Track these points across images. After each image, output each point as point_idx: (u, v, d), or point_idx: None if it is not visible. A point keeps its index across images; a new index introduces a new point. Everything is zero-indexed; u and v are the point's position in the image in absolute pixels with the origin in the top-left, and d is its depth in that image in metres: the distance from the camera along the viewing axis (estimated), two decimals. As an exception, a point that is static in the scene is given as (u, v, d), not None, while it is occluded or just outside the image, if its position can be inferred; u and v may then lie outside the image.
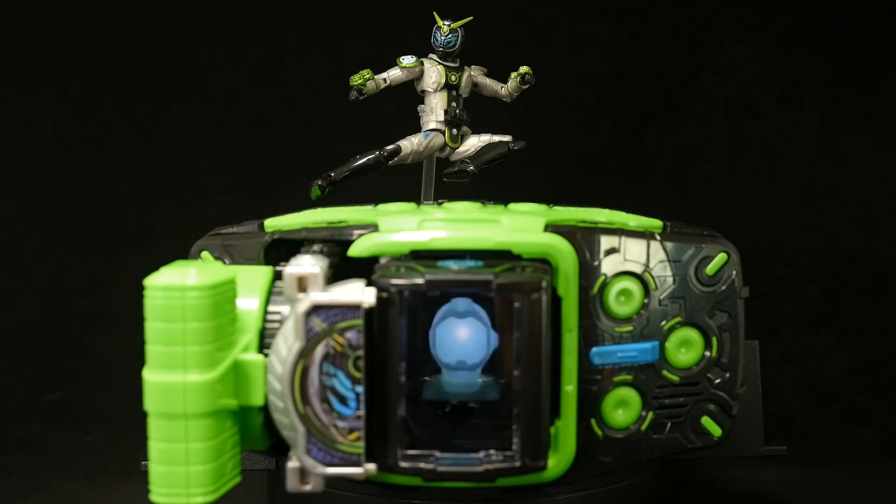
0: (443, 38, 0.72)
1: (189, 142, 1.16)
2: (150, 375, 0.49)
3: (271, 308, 0.52)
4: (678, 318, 0.57)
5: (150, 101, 1.15)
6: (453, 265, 0.52)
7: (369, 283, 0.51)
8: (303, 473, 0.51)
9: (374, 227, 0.55)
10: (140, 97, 1.15)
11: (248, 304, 0.52)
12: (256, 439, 0.52)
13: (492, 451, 0.52)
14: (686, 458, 0.60)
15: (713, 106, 1.17)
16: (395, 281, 0.50)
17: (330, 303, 0.50)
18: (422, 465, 0.51)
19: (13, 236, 1.14)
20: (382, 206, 0.59)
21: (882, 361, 1.01)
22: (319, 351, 0.50)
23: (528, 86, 0.74)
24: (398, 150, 0.71)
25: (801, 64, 1.16)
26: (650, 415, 0.57)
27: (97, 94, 1.15)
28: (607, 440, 0.56)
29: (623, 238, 0.56)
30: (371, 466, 0.51)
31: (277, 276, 0.54)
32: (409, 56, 0.72)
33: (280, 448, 0.52)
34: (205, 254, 0.58)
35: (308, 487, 0.51)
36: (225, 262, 0.57)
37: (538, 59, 0.76)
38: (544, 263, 0.53)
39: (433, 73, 0.72)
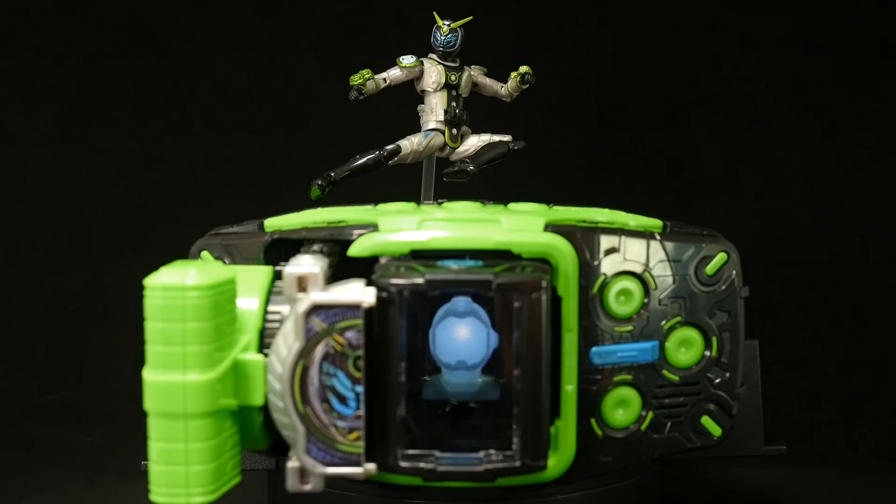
0: (443, 37, 0.72)
1: (189, 142, 1.16)
2: (149, 375, 0.49)
3: (271, 308, 0.52)
4: (678, 318, 0.57)
5: (150, 102, 1.15)
6: (453, 265, 0.52)
7: (369, 283, 0.51)
8: (303, 473, 0.51)
9: (374, 227, 0.55)
10: (140, 97, 1.15)
11: (248, 303, 0.52)
12: (256, 439, 0.52)
13: (492, 451, 0.52)
14: (686, 458, 0.60)
15: (713, 106, 1.17)
16: (395, 281, 0.50)
17: (330, 303, 0.50)
18: (422, 464, 0.51)
19: (13, 236, 1.14)
20: (382, 206, 0.59)
21: (882, 361, 1.01)
22: (319, 351, 0.50)
23: (527, 85, 0.74)
24: (398, 150, 0.71)
25: (802, 65, 1.16)
26: (650, 414, 0.57)
27: (97, 94, 1.15)
28: (607, 440, 0.56)
29: (623, 238, 0.56)
30: (371, 466, 0.51)
31: (277, 275, 0.54)
32: (409, 56, 0.72)
33: (280, 448, 0.52)
34: (205, 254, 0.58)
35: (308, 487, 0.51)
36: (225, 262, 0.57)
37: (538, 59, 0.76)
38: (544, 263, 0.53)
39: (433, 73, 0.72)
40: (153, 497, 0.50)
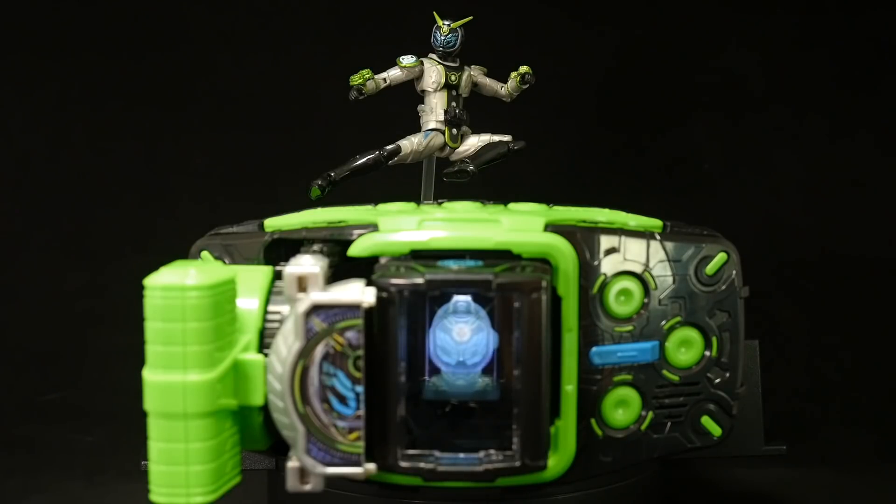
0: (443, 37, 0.72)
1: (189, 142, 1.16)
2: (149, 375, 0.49)
3: (271, 308, 0.52)
4: (678, 318, 0.57)
5: (151, 101, 1.15)
6: (453, 265, 0.52)
7: (369, 283, 0.51)
8: (303, 473, 0.51)
9: (374, 227, 0.55)
10: (140, 97, 1.15)
11: (248, 303, 0.52)
12: (256, 439, 0.52)
13: (492, 451, 0.52)
14: (686, 458, 0.60)
15: (713, 106, 1.17)
16: (394, 281, 0.50)
17: (330, 303, 0.50)
18: (422, 464, 0.51)
19: (13, 236, 1.14)
20: (382, 206, 0.59)
21: (882, 361, 1.01)
22: (319, 351, 0.50)
23: (527, 85, 0.74)
24: (398, 150, 0.71)
25: (802, 64, 1.16)
26: (650, 414, 0.57)
27: (97, 94, 1.15)
28: (607, 440, 0.56)
29: (623, 238, 0.56)
30: (371, 466, 0.51)
31: (277, 275, 0.54)
32: (409, 56, 0.72)
33: (280, 448, 0.52)
34: (205, 254, 0.58)
35: (308, 487, 0.51)
36: (225, 262, 0.57)
37: (538, 59, 0.76)
38: (544, 263, 0.53)
39: (433, 73, 0.72)
40: (153, 497, 0.50)
